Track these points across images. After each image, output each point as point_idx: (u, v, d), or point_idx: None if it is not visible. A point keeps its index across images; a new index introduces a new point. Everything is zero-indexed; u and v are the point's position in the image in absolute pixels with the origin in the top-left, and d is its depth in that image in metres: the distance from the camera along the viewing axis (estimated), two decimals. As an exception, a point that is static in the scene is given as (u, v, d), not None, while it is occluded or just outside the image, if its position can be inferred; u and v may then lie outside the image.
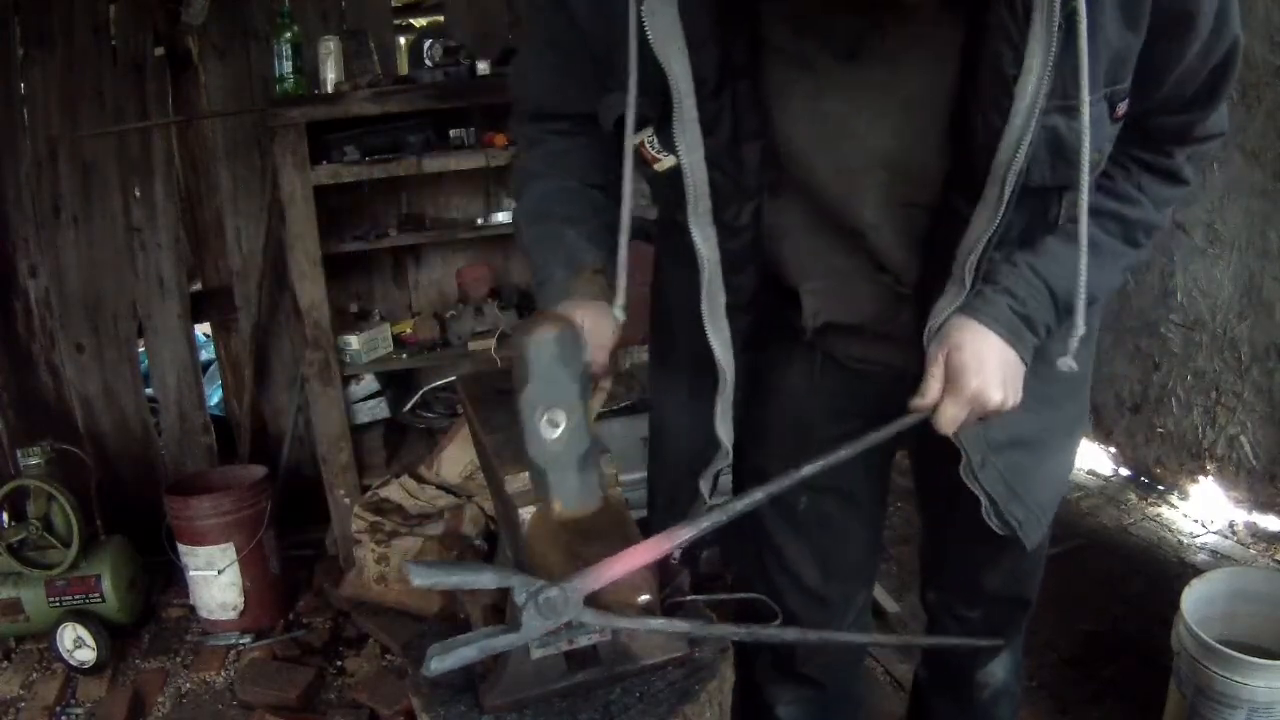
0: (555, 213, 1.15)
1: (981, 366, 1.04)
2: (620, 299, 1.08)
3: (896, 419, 1.07)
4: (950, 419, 1.05)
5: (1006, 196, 0.95)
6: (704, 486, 1.29)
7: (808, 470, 1.02)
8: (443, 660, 0.88)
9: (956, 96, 0.95)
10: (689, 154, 1.00)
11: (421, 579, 0.88)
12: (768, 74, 1.00)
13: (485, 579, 0.92)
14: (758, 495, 1.02)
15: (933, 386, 1.05)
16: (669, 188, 1.04)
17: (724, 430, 1.19)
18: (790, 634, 1.15)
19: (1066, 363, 1.02)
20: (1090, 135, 0.91)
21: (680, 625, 1.03)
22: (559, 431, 0.90)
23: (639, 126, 1.01)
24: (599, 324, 1.05)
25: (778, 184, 1.07)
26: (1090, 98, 0.89)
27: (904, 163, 1.01)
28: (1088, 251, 1.00)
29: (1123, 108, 0.98)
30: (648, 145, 1.02)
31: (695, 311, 1.10)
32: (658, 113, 0.99)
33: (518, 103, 1.23)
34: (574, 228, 1.13)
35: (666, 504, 1.38)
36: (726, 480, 1.41)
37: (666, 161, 1.01)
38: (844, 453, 1.04)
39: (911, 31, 0.93)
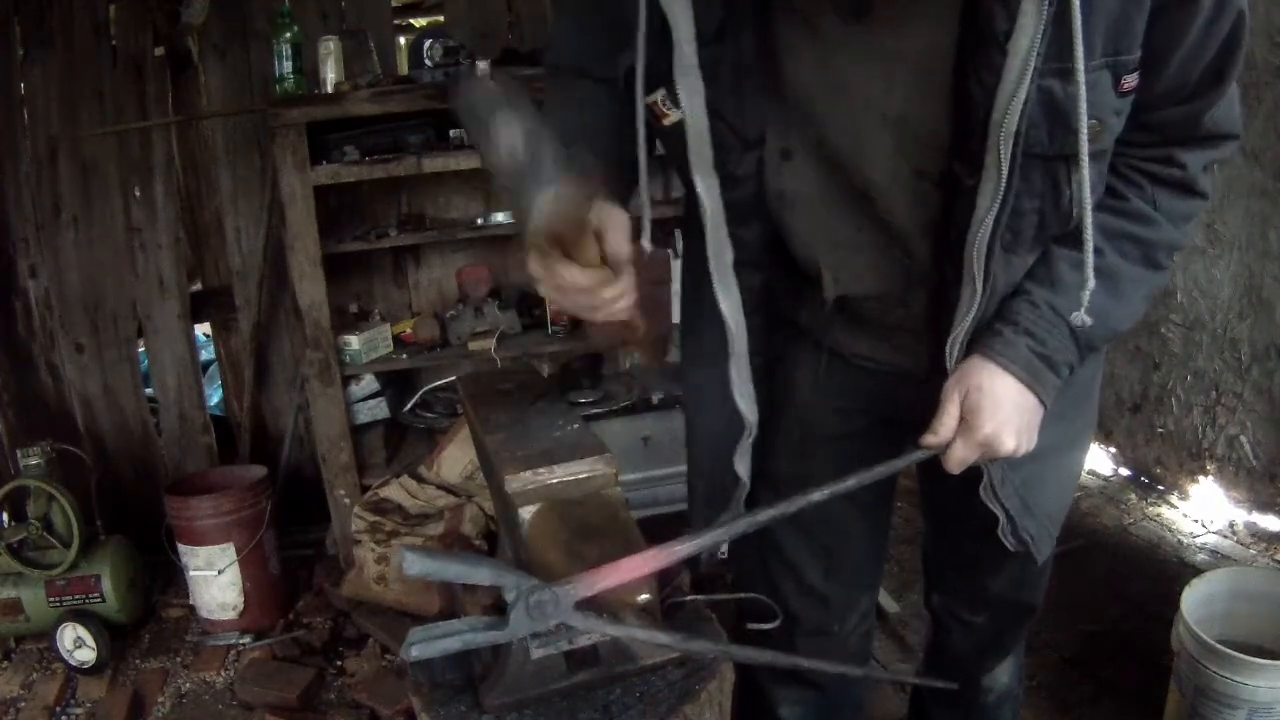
0: (570, 115, 1.09)
1: (997, 410, 1.03)
2: (647, 231, 1.03)
3: (905, 453, 1.07)
4: (959, 461, 1.05)
5: (1005, 164, 0.94)
6: (740, 468, 1.26)
7: (817, 496, 1.02)
8: (424, 648, 0.87)
9: (957, 59, 0.94)
10: (689, 99, 0.99)
11: (416, 568, 0.87)
12: (775, 29, 1.00)
13: (481, 574, 0.92)
14: (762, 516, 1.01)
15: (946, 424, 1.05)
16: (677, 143, 1.03)
17: (742, 398, 1.18)
18: (766, 656, 1.14)
19: (1080, 317, 1.01)
20: (1088, 101, 0.90)
21: (661, 638, 1.03)
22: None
23: (649, 86, 1.00)
24: (611, 213, 0.94)
25: (789, 146, 1.07)
26: (1087, 63, 0.88)
27: (912, 126, 1.01)
28: (1107, 284, 1.01)
29: (1130, 81, 0.96)
30: (660, 104, 1.02)
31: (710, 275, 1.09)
32: (666, 68, 0.99)
33: (550, 58, 1.21)
34: (586, 136, 1.05)
35: (706, 491, 1.34)
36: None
37: (674, 115, 1.02)
38: (851, 482, 1.04)
39: None
